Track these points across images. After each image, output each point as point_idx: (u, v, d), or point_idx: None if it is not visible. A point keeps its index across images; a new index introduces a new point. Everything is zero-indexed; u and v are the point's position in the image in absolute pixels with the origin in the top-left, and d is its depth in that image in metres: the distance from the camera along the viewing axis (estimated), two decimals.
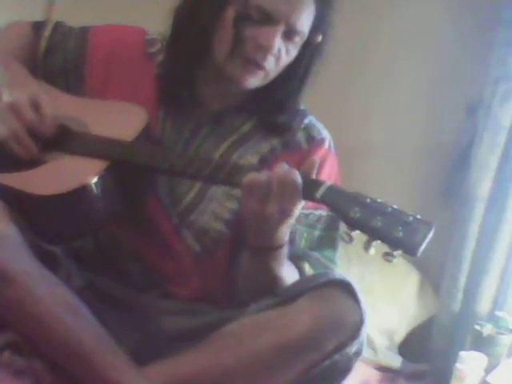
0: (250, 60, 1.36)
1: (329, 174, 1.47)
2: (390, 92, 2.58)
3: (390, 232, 1.12)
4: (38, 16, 1.77)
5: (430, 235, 1.12)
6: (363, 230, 1.14)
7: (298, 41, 1.38)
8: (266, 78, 1.40)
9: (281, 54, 1.37)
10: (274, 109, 1.45)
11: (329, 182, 1.22)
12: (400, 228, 1.11)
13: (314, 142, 1.49)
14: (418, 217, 1.13)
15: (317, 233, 1.46)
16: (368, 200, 1.16)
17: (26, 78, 1.48)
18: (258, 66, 1.36)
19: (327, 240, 1.47)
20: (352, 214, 1.15)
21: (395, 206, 1.15)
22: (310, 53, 1.42)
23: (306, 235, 1.45)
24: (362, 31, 2.57)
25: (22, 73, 1.49)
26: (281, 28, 1.34)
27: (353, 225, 1.15)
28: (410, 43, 2.55)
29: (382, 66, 2.60)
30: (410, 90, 2.56)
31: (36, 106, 1.38)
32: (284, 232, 1.28)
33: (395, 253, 1.12)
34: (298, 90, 1.45)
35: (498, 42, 2.32)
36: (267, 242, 1.28)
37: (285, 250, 1.31)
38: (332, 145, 1.52)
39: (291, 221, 1.26)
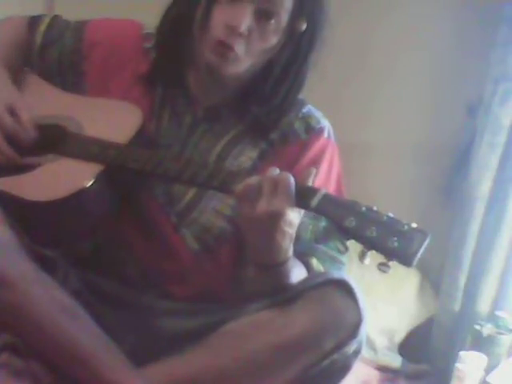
0: (219, 42, 1.33)
1: (329, 163, 1.45)
2: (390, 91, 2.58)
3: (385, 242, 1.11)
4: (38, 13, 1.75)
5: (426, 244, 1.11)
6: (358, 239, 1.14)
7: (275, 24, 1.34)
8: (238, 62, 1.35)
9: (252, 36, 1.33)
10: (264, 104, 1.41)
11: (324, 190, 1.20)
12: (395, 238, 1.11)
13: (312, 131, 1.46)
14: (413, 225, 1.13)
15: (322, 224, 1.43)
16: (363, 209, 1.15)
17: (2, 83, 1.47)
18: (228, 48, 1.33)
19: (333, 230, 1.45)
20: (347, 223, 1.14)
21: (390, 215, 1.15)
22: (296, 42, 1.38)
23: (311, 227, 1.42)
24: (361, 29, 2.56)
25: (0, 78, 1.48)
26: (249, 6, 1.31)
27: (348, 234, 1.15)
28: (410, 42, 2.54)
29: (382, 65, 2.59)
30: (409, 89, 2.56)
31: (13, 113, 1.37)
32: (284, 245, 1.25)
33: (390, 263, 1.12)
34: (291, 84, 1.41)
35: (498, 41, 2.31)
36: (268, 257, 1.26)
37: (290, 264, 1.29)
38: (332, 133, 1.49)
39: (289, 230, 1.23)
